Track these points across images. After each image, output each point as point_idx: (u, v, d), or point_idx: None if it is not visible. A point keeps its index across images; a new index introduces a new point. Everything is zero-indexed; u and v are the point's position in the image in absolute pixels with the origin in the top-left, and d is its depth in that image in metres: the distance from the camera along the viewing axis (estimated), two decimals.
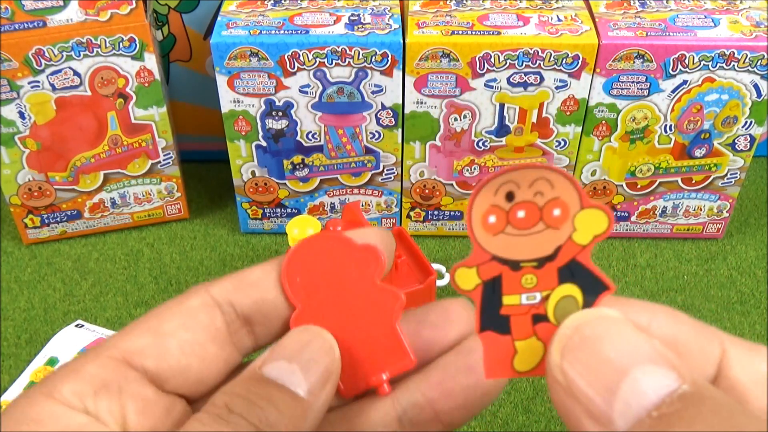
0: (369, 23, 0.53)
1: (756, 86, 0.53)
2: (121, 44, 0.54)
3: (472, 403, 0.22)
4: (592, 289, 0.17)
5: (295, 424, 0.19)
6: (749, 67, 0.52)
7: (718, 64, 0.52)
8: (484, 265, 0.17)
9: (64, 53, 0.53)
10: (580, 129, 0.55)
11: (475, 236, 0.17)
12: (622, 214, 0.61)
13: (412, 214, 0.61)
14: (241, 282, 0.22)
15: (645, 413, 0.14)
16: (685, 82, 0.52)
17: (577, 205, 0.17)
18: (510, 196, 0.17)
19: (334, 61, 0.52)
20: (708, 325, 0.18)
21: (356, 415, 0.22)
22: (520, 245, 0.17)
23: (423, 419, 0.22)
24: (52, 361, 0.50)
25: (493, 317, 0.17)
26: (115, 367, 0.20)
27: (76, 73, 0.54)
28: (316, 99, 0.54)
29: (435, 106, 0.54)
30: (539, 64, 0.52)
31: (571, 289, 0.17)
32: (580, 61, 0.51)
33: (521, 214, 0.17)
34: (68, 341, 0.51)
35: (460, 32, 0.52)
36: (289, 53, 0.51)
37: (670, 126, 0.55)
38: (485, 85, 0.53)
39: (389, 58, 0.52)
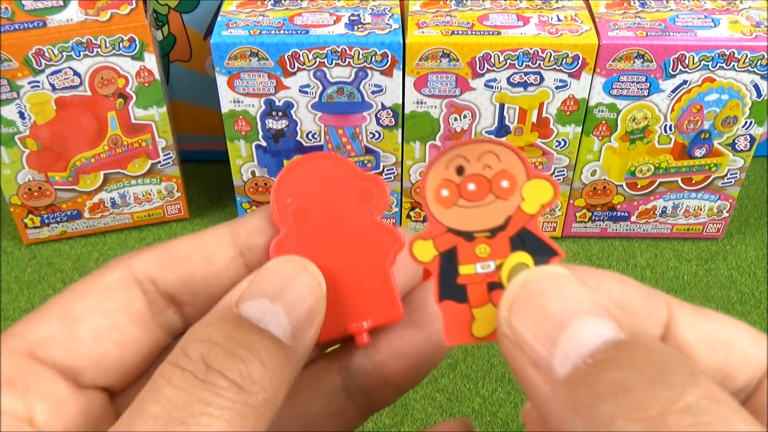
0: (369, 23, 0.53)
1: (756, 86, 0.53)
2: (121, 44, 0.54)
3: (423, 362, 0.21)
4: (542, 256, 0.18)
5: (277, 376, 0.18)
6: (749, 67, 0.52)
7: (718, 64, 0.52)
8: (439, 237, 0.18)
9: (64, 53, 0.53)
10: (580, 129, 0.55)
11: (430, 210, 0.18)
12: (622, 214, 0.61)
13: (412, 214, 0.61)
14: (166, 256, 0.20)
15: (581, 361, 0.15)
16: (685, 82, 0.52)
17: (523, 177, 0.18)
18: (460, 170, 0.18)
19: (334, 61, 0.52)
20: (655, 289, 0.19)
21: (296, 387, 0.21)
22: (472, 217, 0.18)
23: (372, 385, 0.21)
24: None
25: (450, 287, 0.18)
26: (19, 362, 0.18)
27: (76, 73, 0.54)
28: (316, 99, 0.54)
29: (435, 106, 0.54)
30: (539, 64, 0.52)
31: (523, 257, 0.18)
32: (580, 61, 0.51)
33: (472, 187, 0.18)
34: None
35: (460, 32, 0.52)
36: (289, 53, 0.52)
37: (670, 126, 0.55)
38: (485, 85, 0.53)
39: (389, 58, 0.52)
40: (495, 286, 0.18)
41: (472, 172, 0.18)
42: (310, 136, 0.56)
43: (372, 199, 0.20)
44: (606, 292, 0.18)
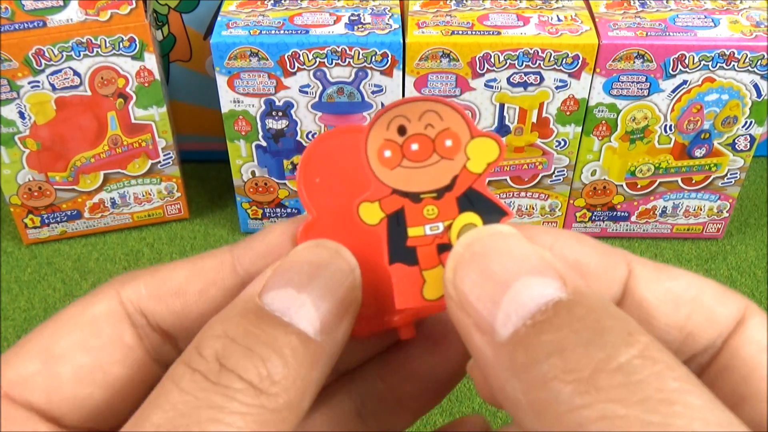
0: (369, 23, 0.53)
1: (756, 86, 0.53)
2: (121, 44, 0.54)
3: (440, 385, 0.20)
4: (491, 216, 0.18)
5: (302, 377, 0.16)
6: (749, 67, 0.52)
7: (718, 64, 0.52)
8: (385, 198, 0.18)
9: (64, 53, 0.53)
10: (580, 129, 0.55)
11: (373, 171, 0.18)
12: (622, 214, 0.61)
13: None
14: (159, 287, 0.18)
15: (522, 323, 0.15)
16: (685, 82, 0.52)
17: (467, 135, 0.17)
18: (402, 130, 0.17)
19: (334, 61, 0.52)
20: (615, 248, 0.18)
21: (306, 415, 0.19)
22: (417, 177, 0.18)
23: (386, 409, 0.20)
24: None
25: (400, 249, 0.18)
26: None
27: (76, 73, 0.54)
28: (316, 99, 0.54)
29: None
30: (539, 64, 0.52)
31: (472, 217, 0.18)
32: (580, 61, 0.51)
33: (415, 146, 0.17)
34: None
35: (460, 32, 0.52)
36: (289, 53, 0.52)
37: (670, 126, 0.55)
38: (485, 85, 0.53)
39: (389, 58, 0.52)
40: (445, 248, 0.18)
41: (414, 131, 0.17)
42: (310, 136, 0.56)
43: None
44: (561, 251, 0.18)
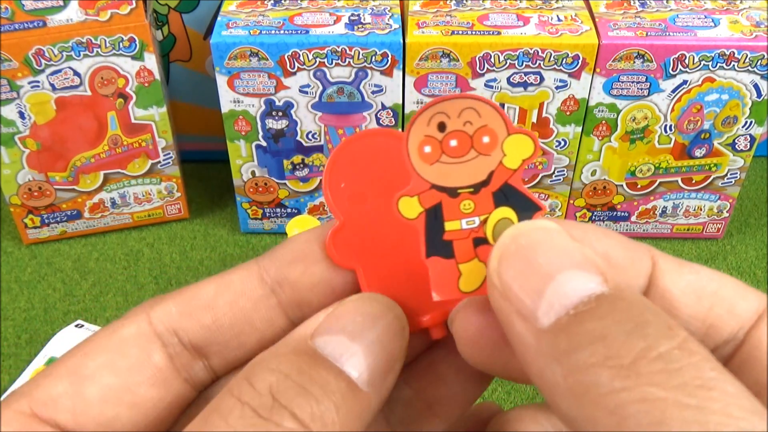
0: (369, 23, 0.53)
1: (756, 86, 0.53)
2: (121, 44, 0.54)
3: (469, 387, 0.20)
4: (526, 210, 0.18)
5: (348, 425, 0.16)
6: (749, 67, 0.52)
7: (718, 64, 0.52)
8: (424, 193, 0.18)
9: (64, 53, 0.53)
10: (580, 129, 0.55)
11: (413, 166, 0.18)
12: (622, 214, 0.61)
13: None
14: (188, 303, 0.19)
15: (564, 312, 0.15)
16: (685, 82, 0.52)
17: (504, 132, 0.18)
18: (442, 127, 0.18)
19: (334, 61, 0.52)
20: (639, 242, 0.19)
21: None
22: (455, 173, 0.18)
23: (415, 415, 0.20)
24: (52, 361, 0.50)
25: (437, 243, 0.18)
26: (24, 424, 0.17)
27: (76, 73, 0.54)
28: (316, 99, 0.54)
29: None
30: (539, 64, 0.52)
31: (507, 212, 0.18)
32: (580, 61, 0.51)
33: (454, 143, 0.18)
34: (68, 341, 0.51)
35: (460, 32, 0.52)
36: (289, 53, 0.52)
37: (670, 126, 0.55)
38: (485, 85, 0.53)
39: (389, 58, 0.52)
40: (480, 242, 0.18)
41: (453, 128, 0.18)
42: (310, 136, 0.56)
43: None
44: (590, 244, 0.18)
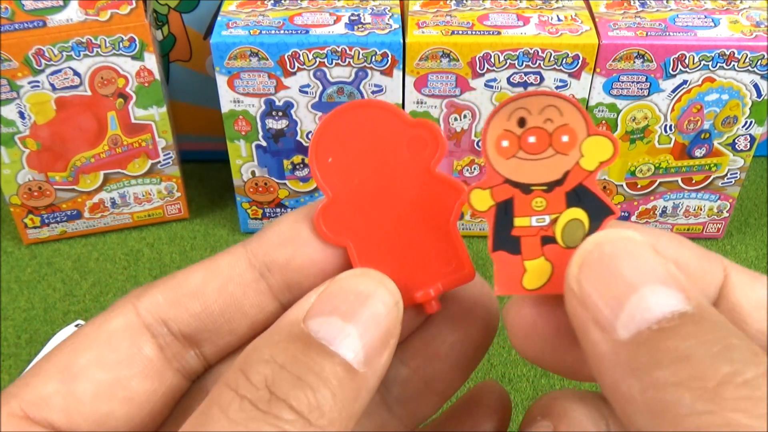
0: (369, 23, 0.53)
1: (756, 86, 0.53)
2: (121, 44, 0.54)
3: (463, 363, 0.20)
4: (598, 214, 0.18)
5: (347, 409, 0.16)
6: (749, 67, 0.52)
7: (718, 64, 0.52)
8: (497, 187, 0.18)
9: (64, 53, 0.53)
10: None
11: (489, 159, 0.18)
12: (622, 214, 0.61)
13: None
14: (175, 291, 0.18)
15: (646, 326, 0.15)
16: (685, 82, 0.52)
17: (584, 132, 0.18)
18: (522, 122, 0.18)
19: (334, 61, 0.52)
20: (712, 252, 0.19)
21: None
22: (530, 169, 0.18)
23: (412, 394, 0.20)
24: None
25: (504, 238, 0.18)
26: (16, 426, 0.17)
27: (76, 73, 0.54)
28: (316, 99, 0.54)
29: (435, 106, 0.54)
30: (539, 64, 0.52)
31: (578, 213, 0.18)
32: (580, 61, 0.51)
33: (532, 139, 0.18)
34: None
35: (460, 32, 0.52)
36: (289, 53, 0.52)
37: (670, 126, 0.55)
38: (485, 85, 0.53)
39: (389, 58, 0.52)
40: (548, 241, 0.18)
41: (533, 124, 0.18)
42: (310, 136, 0.56)
43: (426, 148, 0.18)
44: (662, 251, 0.18)
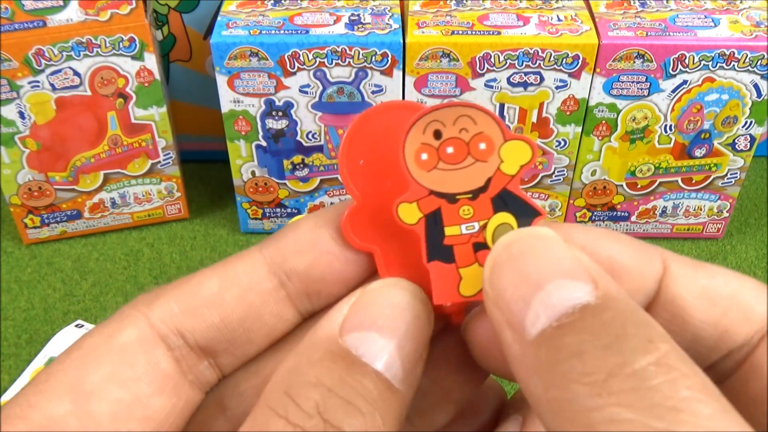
0: (369, 23, 0.53)
1: (756, 86, 0.53)
2: (121, 44, 0.54)
3: (481, 371, 0.20)
4: (525, 216, 0.19)
5: (391, 426, 0.16)
6: (749, 67, 0.52)
7: (718, 64, 0.52)
8: (423, 199, 0.18)
9: (64, 53, 0.53)
10: (580, 129, 0.55)
11: (411, 173, 0.18)
12: (622, 214, 0.61)
13: None
14: (191, 300, 0.17)
15: (548, 323, 0.15)
16: (685, 82, 0.52)
17: (500, 138, 0.18)
18: (438, 134, 0.18)
19: (334, 61, 0.52)
20: (651, 245, 0.19)
21: None
22: (453, 179, 0.18)
23: (432, 404, 0.20)
24: (52, 361, 0.50)
25: (437, 248, 0.19)
26: None
27: (76, 73, 0.54)
28: (316, 99, 0.54)
29: None
30: (539, 64, 0.52)
31: (506, 217, 0.19)
32: (580, 61, 0.51)
33: (450, 150, 0.18)
34: (68, 341, 0.51)
35: (460, 32, 0.52)
36: (289, 53, 0.52)
37: (670, 126, 0.55)
38: (485, 85, 0.53)
39: (389, 58, 0.52)
40: (480, 247, 0.19)
41: (449, 135, 0.18)
42: (310, 136, 0.56)
43: None
44: (595, 249, 0.18)
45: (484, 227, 0.19)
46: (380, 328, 0.16)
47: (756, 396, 0.17)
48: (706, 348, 0.18)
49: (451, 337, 0.20)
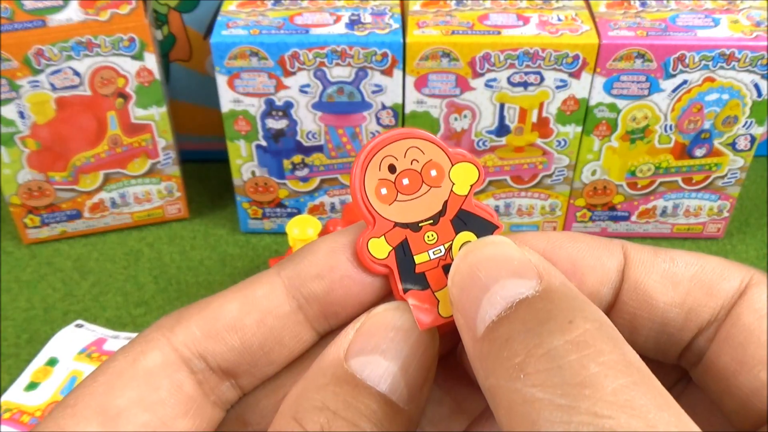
0: (369, 23, 0.53)
1: (756, 86, 0.53)
2: (121, 44, 0.54)
3: None
4: (484, 231, 0.20)
5: None
6: (749, 67, 0.52)
7: (719, 64, 0.52)
8: (389, 232, 0.19)
9: (64, 53, 0.53)
10: (580, 129, 0.55)
11: (375, 209, 0.19)
12: (623, 213, 0.61)
13: None
14: (212, 324, 0.18)
15: (490, 320, 0.16)
16: (685, 81, 0.52)
17: (448, 163, 0.19)
18: (392, 168, 0.19)
19: (334, 61, 0.52)
20: (610, 239, 0.19)
21: None
22: (414, 208, 0.19)
23: (445, 414, 0.20)
24: (52, 361, 0.50)
25: (411, 276, 0.19)
26: None
27: (76, 73, 0.54)
28: (316, 99, 0.54)
29: (435, 106, 0.54)
30: (539, 63, 0.52)
31: (468, 236, 0.20)
32: (580, 61, 0.51)
33: (406, 181, 0.19)
34: (68, 341, 0.51)
35: (461, 32, 0.52)
36: (289, 53, 0.51)
37: (671, 126, 0.55)
38: (485, 84, 0.53)
39: (389, 58, 0.52)
40: (449, 268, 0.19)
41: (402, 168, 0.19)
42: (310, 135, 0.56)
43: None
44: (554, 252, 0.19)
45: (449, 249, 0.19)
46: (384, 351, 0.17)
47: (726, 369, 0.17)
48: (676, 329, 0.18)
49: (462, 350, 0.21)
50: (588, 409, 0.13)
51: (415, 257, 0.19)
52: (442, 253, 0.19)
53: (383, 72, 0.52)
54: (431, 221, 0.19)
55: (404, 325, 0.18)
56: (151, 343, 0.17)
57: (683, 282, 0.18)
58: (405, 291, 0.19)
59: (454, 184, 0.19)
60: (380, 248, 0.19)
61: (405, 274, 0.19)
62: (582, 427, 0.13)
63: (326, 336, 0.19)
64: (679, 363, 0.19)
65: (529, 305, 0.16)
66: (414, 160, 0.19)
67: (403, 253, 0.19)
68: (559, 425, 0.13)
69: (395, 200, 0.19)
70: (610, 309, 0.19)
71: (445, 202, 0.19)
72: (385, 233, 0.19)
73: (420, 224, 0.19)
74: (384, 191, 0.19)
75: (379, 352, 0.17)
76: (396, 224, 0.19)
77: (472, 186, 0.19)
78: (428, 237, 0.19)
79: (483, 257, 0.17)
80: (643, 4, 0.55)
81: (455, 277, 0.17)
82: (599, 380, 0.14)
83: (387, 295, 0.19)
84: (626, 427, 0.13)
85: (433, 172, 0.19)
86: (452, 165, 0.19)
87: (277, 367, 0.19)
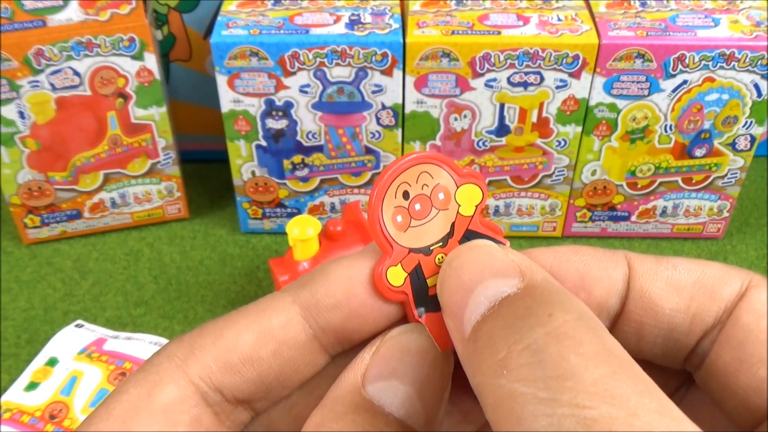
0: (369, 23, 0.53)
1: (756, 86, 0.53)
2: (121, 44, 0.54)
3: None
4: None
5: None
6: (749, 67, 0.52)
7: (719, 64, 0.52)
8: (405, 259, 0.19)
9: (64, 53, 0.53)
10: (580, 129, 0.55)
11: (393, 237, 0.19)
12: (623, 213, 0.61)
13: None
14: (227, 356, 0.17)
15: (475, 321, 0.16)
16: (685, 81, 0.52)
17: (453, 186, 0.20)
18: (406, 195, 0.19)
19: (334, 61, 0.52)
20: (613, 250, 0.20)
21: None
22: (425, 232, 0.20)
23: (452, 426, 0.20)
24: (52, 361, 0.50)
25: (425, 300, 0.19)
26: None
27: (76, 73, 0.54)
28: (316, 99, 0.54)
29: (435, 106, 0.54)
30: (539, 63, 0.52)
31: None
32: (580, 61, 0.51)
33: (418, 207, 0.19)
34: (68, 341, 0.51)
35: (461, 32, 0.52)
36: (289, 53, 0.51)
37: (671, 126, 0.55)
38: (485, 84, 0.53)
39: (389, 58, 0.52)
40: None
41: (414, 193, 0.19)
42: (310, 135, 0.56)
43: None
44: (561, 267, 0.19)
45: None
46: (400, 377, 0.17)
47: (726, 368, 0.18)
48: (682, 334, 0.19)
49: None
50: (570, 401, 0.13)
51: (427, 280, 0.19)
52: None
53: (383, 72, 0.52)
54: (441, 243, 0.20)
55: (420, 348, 0.18)
56: (164, 374, 0.17)
57: (686, 288, 0.19)
58: (420, 316, 0.19)
59: (460, 205, 0.20)
60: (397, 276, 0.19)
61: (419, 297, 0.19)
62: (565, 419, 0.13)
63: (338, 357, 0.19)
64: (684, 367, 0.20)
65: (510, 302, 0.16)
66: (424, 185, 0.19)
67: (417, 277, 0.19)
68: (542, 418, 0.13)
69: (409, 227, 0.19)
70: (618, 318, 0.19)
71: (453, 224, 0.20)
72: (401, 260, 0.19)
73: (431, 248, 0.20)
74: (399, 219, 0.19)
75: (396, 377, 0.17)
76: (410, 250, 0.19)
77: (477, 207, 0.20)
78: (438, 259, 0.20)
79: (466, 260, 0.18)
80: (643, 4, 0.55)
81: (442, 281, 0.18)
82: (579, 371, 0.14)
83: (401, 319, 0.19)
84: (607, 416, 0.13)
85: (441, 195, 0.19)
86: (458, 187, 0.20)
87: (291, 390, 0.19)
